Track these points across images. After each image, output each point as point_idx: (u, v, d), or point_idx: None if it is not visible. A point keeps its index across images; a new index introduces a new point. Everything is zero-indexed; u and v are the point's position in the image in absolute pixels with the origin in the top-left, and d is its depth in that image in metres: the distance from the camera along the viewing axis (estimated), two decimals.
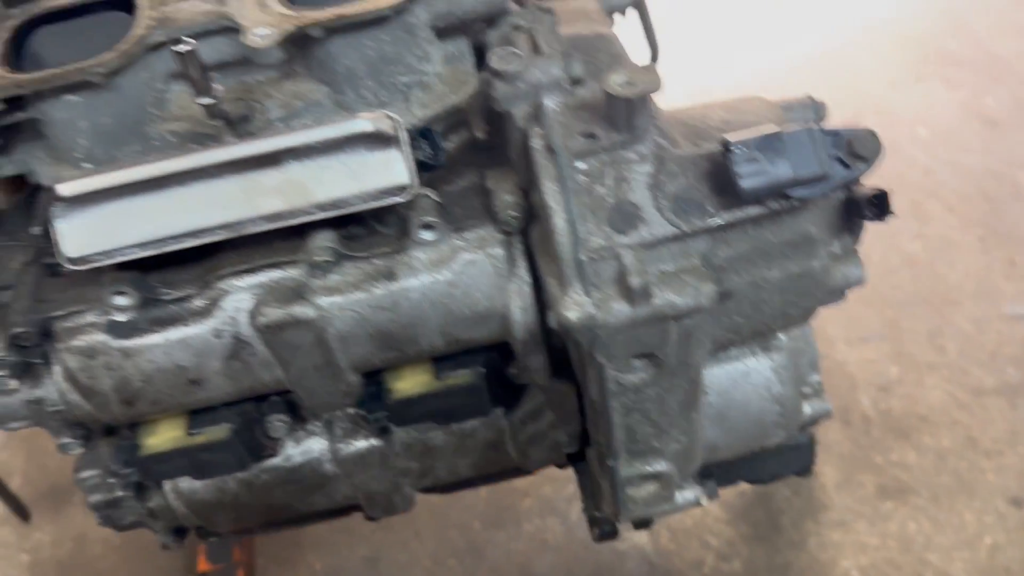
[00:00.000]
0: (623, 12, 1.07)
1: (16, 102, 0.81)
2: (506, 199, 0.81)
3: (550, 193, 0.74)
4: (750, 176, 0.70)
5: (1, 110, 0.81)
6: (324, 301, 0.82)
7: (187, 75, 0.75)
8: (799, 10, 3.50)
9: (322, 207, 0.77)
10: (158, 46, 0.82)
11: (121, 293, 0.81)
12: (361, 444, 0.98)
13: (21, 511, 2.12)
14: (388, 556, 3.00)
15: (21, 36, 0.85)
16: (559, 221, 0.74)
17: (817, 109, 0.86)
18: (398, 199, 0.77)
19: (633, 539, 2.93)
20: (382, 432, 0.98)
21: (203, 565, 2.61)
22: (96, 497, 1.01)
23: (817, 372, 1.02)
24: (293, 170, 0.76)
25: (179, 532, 1.08)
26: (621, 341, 0.77)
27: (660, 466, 0.96)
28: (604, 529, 1.12)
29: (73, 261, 0.77)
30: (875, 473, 2.90)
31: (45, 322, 0.82)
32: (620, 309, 0.74)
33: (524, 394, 0.98)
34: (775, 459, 1.08)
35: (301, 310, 0.81)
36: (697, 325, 0.79)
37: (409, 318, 0.84)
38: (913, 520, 2.88)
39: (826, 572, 2.77)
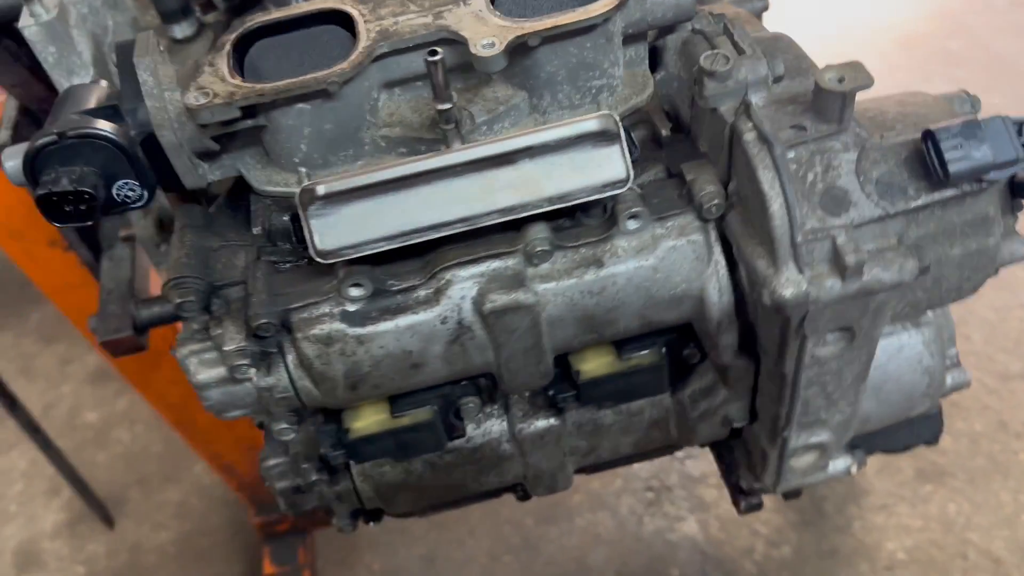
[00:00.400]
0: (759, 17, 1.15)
1: (248, 110, 0.87)
2: (709, 189, 0.88)
3: (766, 181, 0.82)
4: (956, 161, 0.78)
5: (235, 118, 0.86)
6: (540, 287, 0.89)
7: (433, 81, 0.82)
8: (802, 13, 3.60)
9: (551, 200, 0.84)
10: (381, 57, 0.88)
11: (357, 285, 0.87)
12: (540, 424, 1.05)
13: (106, 516, 2.16)
14: (444, 554, 3.06)
15: (241, 48, 0.91)
16: (776, 206, 0.81)
17: (973, 102, 0.94)
18: (618, 191, 0.84)
19: (683, 530, 3.01)
20: (559, 412, 1.05)
21: (269, 568, 2.66)
22: (283, 484, 1.07)
23: (954, 345, 1.10)
24: (526, 167, 0.83)
25: (354, 515, 1.14)
26: (827, 316, 0.85)
27: (823, 436, 1.03)
28: (751, 502, 1.19)
29: (324, 254, 0.84)
30: (913, 457, 3.01)
31: (283, 313, 0.88)
32: (832, 285, 0.82)
33: (691, 373, 1.05)
34: (910, 429, 1.16)
35: (523, 296, 0.88)
36: (887, 300, 0.86)
37: (613, 302, 0.91)
38: (952, 502, 2.97)
39: (872, 555, 2.87)
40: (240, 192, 1.04)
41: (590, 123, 0.82)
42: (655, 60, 0.99)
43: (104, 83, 0.93)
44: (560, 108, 0.94)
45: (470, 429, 1.05)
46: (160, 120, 0.88)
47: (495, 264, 0.89)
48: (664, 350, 0.99)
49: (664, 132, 0.96)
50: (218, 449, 2.39)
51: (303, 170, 0.94)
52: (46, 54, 1.07)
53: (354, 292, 0.88)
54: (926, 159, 0.81)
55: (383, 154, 0.94)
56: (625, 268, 0.90)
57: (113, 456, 3.34)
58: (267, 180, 0.95)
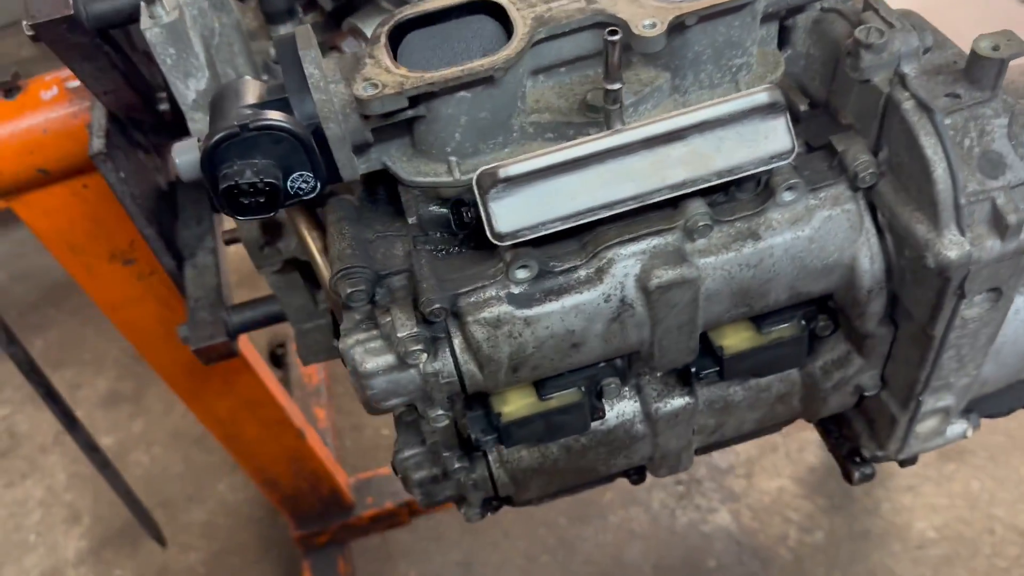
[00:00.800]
0: None
1: (413, 100, 0.89)
2: (863, 158, 0.91)
3: (929, 147, 0.85)
4: None
5: (402, 108, 0.87)
6: (701, 261, 0.91)
7: (608, 61, 0.84)
8: None
9: (720, 174, 0.86)
10: (539, 43, 0.90)
11: (524, 267, 0.89)
12: (676, 402, 1.07)
13: (159, 536, 2.13)
14: (481, 558, 3.06)
15: (395, 37, 0.92)
16: (939, 171, 0.85)
17: None
18: (784, 162, 0.87)
19: (716, 521, 3.04)
20: (691, 390, 1.07)
21: None
22: (420, 474, 1.08)
23: None
24: (696, 143, 0.85)
25: (485, 504, 1.15)
26: (983, 276, 0.88)
27: (947, 400, 1.06)
28: (864, 472, 1.22)
29: (502, 236, 0.85)
30: None
31: (452, 298, 0.89)
32: (992, 245, 0.85)
33: (821, 345, 1.07)
34: (1014, 392, 1.19)
35: (687, 271, 0.90)
36: None
37: (768, 275, 0.93)
38: (975, 479, 3.04)
39: (903, 534, 2.92)
40: (373, 184, 1.05)
41: (760, 96, 0.85)
42: (781, 39, 1.02)
43: (250, 79, 0.93)
44: (700, 88, 0.96)
45: (607, 410, 1.07)
46: (327, 112, 0.88)
47: (656, 241, 0.91)
48: (804, 322, 1.02)
49: (802, 107, 0.99)
50: (262, 463, 2.38)
51: (453, 159, 0.95)
52: (165, 55, 1.07)
53: (521, 274, 0.89)
54: None
55: (530, 140, 0.96)
56: (781, 239, 0.92)
57: (133, 479, 3.27)
58: (416, 171, 0.96)
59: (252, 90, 0.88)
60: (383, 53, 0.89)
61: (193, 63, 1.10)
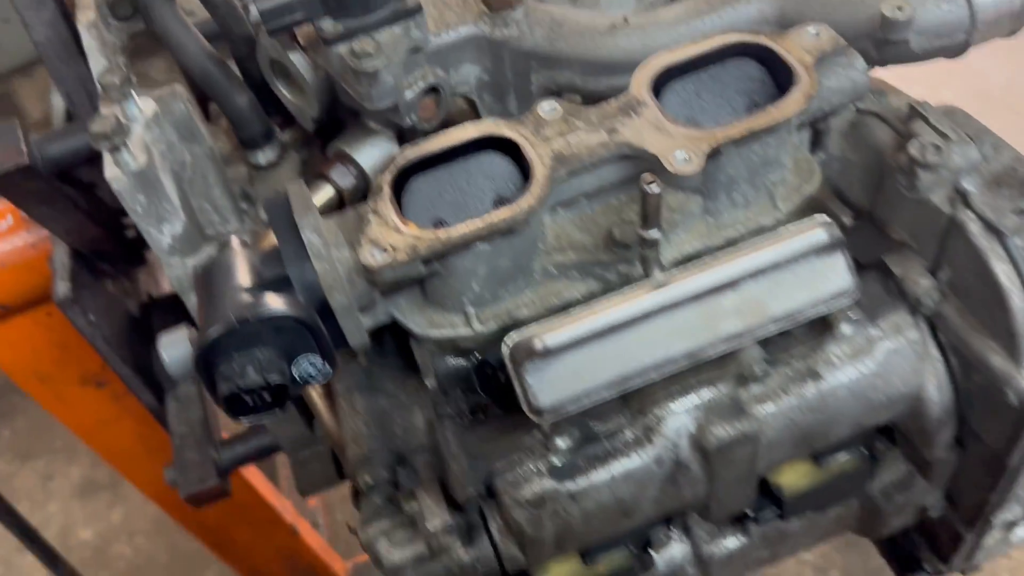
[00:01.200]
0: None
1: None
2: (923, 283, 0.82)
3: (1003, 273, 0.77)
4: None
5: (418, 273, 0.78)
6: (760, 411, 0.82)
7: (647, 210, 0.74)
8: None
9: (776, 321, 0.77)
10: (559, 182, 0.81)
11: (565, 435, 0.79)
12: (729, 544, 0.98)
13: None
14: None
15: (398, 183, 0.83)
16: (1017, 300, 0.76)
17: None
18: (845, 302, 0.78)
19: None
20: (744, 530, 0.98)
21: None
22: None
23: None
24: (750, 289, 0.76)
25: None
26: None
27: (1016, 512, 0.98)
28: None
29: (542, 412, 0.75)
30: None
31: (486, 478, 0.79)
32: None
33: (879, 466, 0.99)
34: None
35: (747, 425, 0.81)
36: None
37: (832, 414, 0.85)
38: None
39: None
40: (379, 336, 0.95)
41: (818, 234, 0.76)
42: (814, 141, 0.94)
43: (239, 246, 0.82)
44: (734, 207, 0.88)
45: (656, 559, 0.97)
46: (331, 282, 0.78)
47: (708, 393, 0.82)
48: (864, 451, 0.93)
49: (846, 220, 0.90)
50: (255, 563, 2.25)
51: (471, 310, 0.85)
52: (135, 204, 0.96)
53: (563, 443, 0.79)
54: None
55: (553, 281, 0.86)
56: (845, 377, 0.83)
57: (117, 573, 3.13)
58: (429, 324, 0.86)
59: (243, 266, 0.78)
60: (388, 208, 0.79)
61: (166, 208, 0.99)
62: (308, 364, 0.76)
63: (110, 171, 0.94)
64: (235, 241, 0.82)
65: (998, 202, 0.79)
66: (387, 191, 0.81)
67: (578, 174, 0.82)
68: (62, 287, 1.15)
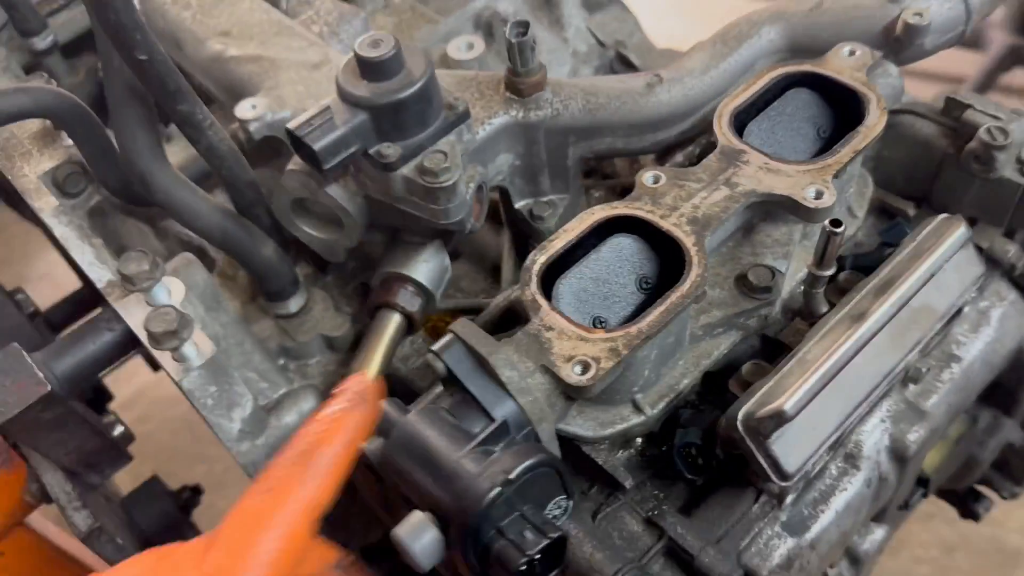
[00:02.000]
0: None
1: None
2: (1012, 249, 0.91)
3: None
4: None
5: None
6: (929, 406, 0.87)
7: (828, 251, 0.76)
8: None
9: (942, 317, 0.82)
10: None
11: (791, 491, 0.79)
12: (879, 535, 1.02)
13: None
14: None
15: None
16: None
17: None
18: (981, 282, 0.84)
19: None
20: (886, 517, 1.02)
21: None
22: None
23: None
24: (920, 298, 0.80)
25: None
26: None
27: None
28: (986, 506, 1.25)
29: (791, 476, 0.74)
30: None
31: (736, 558, 0.77)
32: None
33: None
34: None
35: (932, 421, 0.85)
36: None
37: (972, 387, 0.91)
38: None
39: None
40: None
41: (960, 230, 0.81)
42: None
43: (417, 416, 0.73)
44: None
45: None
46: (537, 413, 0.73)
47: (888, 404, 0.85)
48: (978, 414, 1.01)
49: (911, 212, 0.97)
50: None
51: (639, 396, 0.82)
52: (206, 398, 0.85)
53: (791, 499, 0.79)
54: None
55: (699, 343, 0.86)
56: (975, 350, 0.90)
57: None
58: (598, 423, 0.82)
59: (441, 432, 0.69)
60: (562, 321, 0.75)
61: (237, 392, 0.87)
62: (556, 507, 0.70)
63: (176, 372, 0.81)
64: (412, 416, 0.72)
65: None
66: (545, 304, 0.76)
67: (716, 232, 0.82)
68: (81, 520, 0.97)
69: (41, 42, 1.23)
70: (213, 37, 1.08)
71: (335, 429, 0.68)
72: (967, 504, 1.27)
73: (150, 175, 0.87)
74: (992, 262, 0.93)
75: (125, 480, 1.31)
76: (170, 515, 1.25)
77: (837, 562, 0.99)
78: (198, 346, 0.83)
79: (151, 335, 0.80)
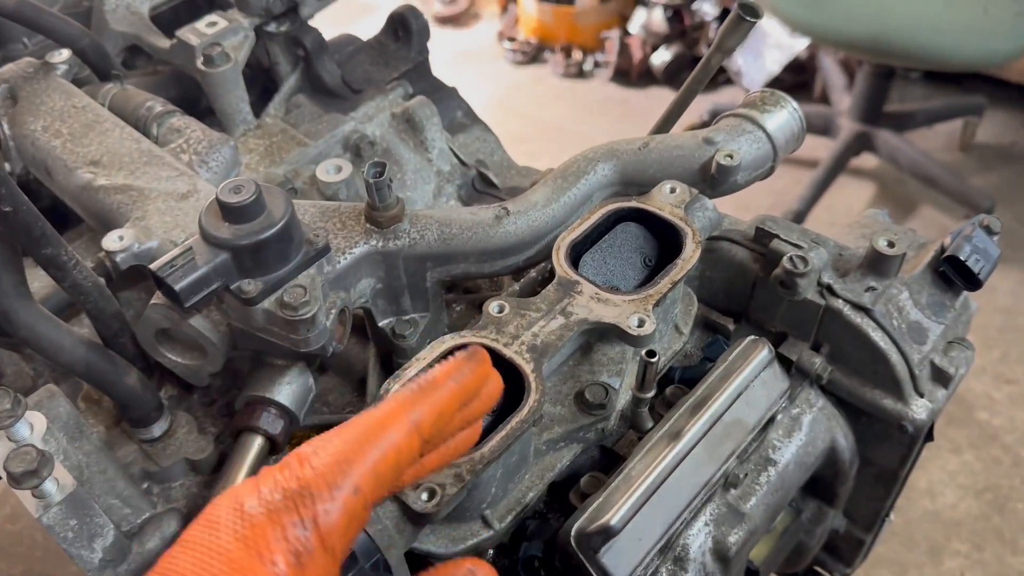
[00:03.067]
0: None
1: None
2: (817, 361, 1.03)
3: (879, 339, 0.99)
4: (982, 268, 1.03)
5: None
6: (748, 508, 0.96)
7: (646, 378, 0.86)
8: None
9: (753, 429, 0.92)
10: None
11: None
12: None
13: None
14: None
15: None
16: (894, 356, 0.99)
17: (886, 214, 1.21)
18: (783, 403, 0.96)
19: None
20: None
21: None
22: None
23: None
24: (732, 413, 0.90)
25: None
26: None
27: None
28: None
29: None
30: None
31: None
32: (942, 395, 1.02)
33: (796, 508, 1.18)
34: None
35: (750, 523, 0.94)
36: None
37: (788, 487, 1.01)
38: None
39: None
40: None
41: (763, 351, 0.92)
42: None
43: None
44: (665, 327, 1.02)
45: None
46: (385, 541, 0.78)
47: (710, 508, 0.94)
48: (800, 509, 1.12)
49: (731, 327, 1.09)
50: None
51: (488, 512, 0.89)
52: (65, 532, 0.88)
53: None
54: (950, 276, 1.04)
55: (543, 456, 0.94)
56: (788, 453, 1.01)
57: None
58: (450, 540, 0.88)
59: None
60: None
61: (98, 523, 0.90)
62: None
63: (36, 509, 0.84)
64: None
65: (853, 286, 1.01)
66: None
67: (553, 358, 0.90)
68: None
69: None
70: (83, 166, 1.12)
71: (450, 369, 0.67)
72: None
73: (13, 313, 0.90)
74: (801, 372, 1.04)
75: None
76: None
77: None
78: (58, 481, 0.85)
79: (10, 475, 0.82)
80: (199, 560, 0.53)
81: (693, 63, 3.97)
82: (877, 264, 1.01)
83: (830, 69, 3.74)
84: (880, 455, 1.09)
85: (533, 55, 4.15)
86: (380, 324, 1.09)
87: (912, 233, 1.04)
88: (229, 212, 0.89)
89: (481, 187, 1.40)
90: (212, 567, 0.52)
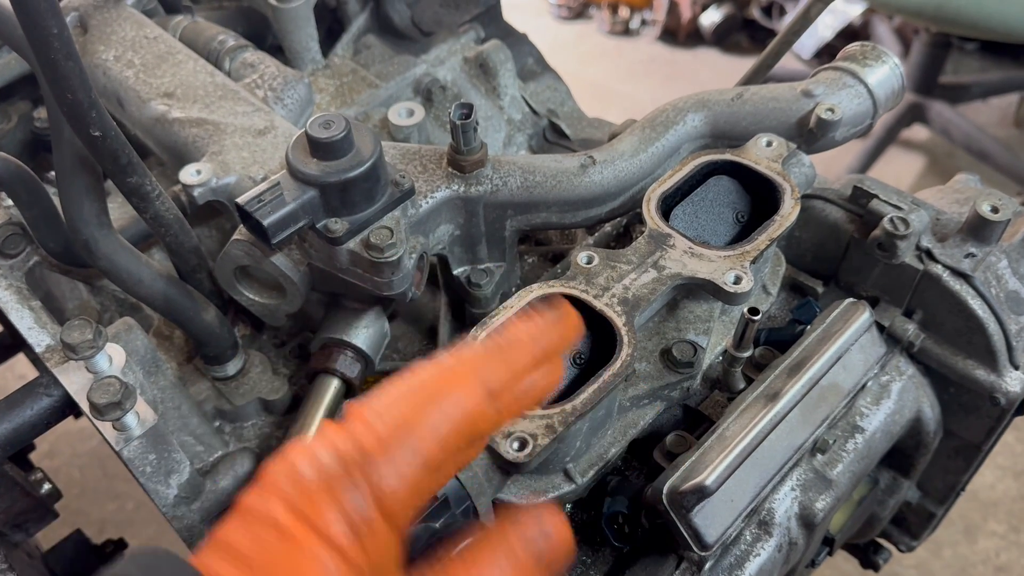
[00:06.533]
0: None
1: None
2: (910, 328, 0.99)
3: (977, 308, 0.95)
4: None
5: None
6: (835, 475, 0.94)
7: (745, 335, 0.83)
8: None
9: (847, 395, 0.89)
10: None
11: (710, 557, 0.84)
12: None
13: None
14: None
15: None
16: (992, 325, 0.96)
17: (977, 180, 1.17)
18: (885, 359, 0.92)
19: None
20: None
21: None
22: None
23: None
24: (828, 377, 0.87)
25: None
26: None
27: None
28: (885, 557, 1.33)
29: (711, 546, 0.80)
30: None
31: None
32: None
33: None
34: None
35: (838, 490, 0.92)
36: None
37: (874, 455, 0.98)
38: None
39: None
40: None
41: (864, 316, 0.89)
42: None
43: None
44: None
45: None
46: (476, 488, 0.76)
47: (798, 473, 0.91)
48: (884, 476, 1.09)
49: (819, 289, 1.05)
50: None
51: (571, 466, 0.87)
52: (144, 466, 0.86)
53: (709, 565, 0.85)
54: None
55: (626, 413, 0.91)
56: (876, 421, 0.97)
57: None
58: (531, 492, 0.86)
59: None
60: None
61: (176, 459, 0.88)
62: None
63: (117, 440, 0.83)
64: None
65: (953, 252, 0.97)
66: None
67: (644, 312, 0.87)
68: None
69: None
70: (157, 98, 1.10)
71: (534, 329, 0.59)
72: (868, 556, 1.35)
73: (94, 242, 0.88)
74: (892, 339, 1.01)
75: None
76: (93, 571, 1.24)
77: None
78: (139, 415, 0.84)
79: (94, 406, 0.81)
80: (251, 530, 0.49)
81: (743, 25, 3.89)
82: (979, 229, 0.97)
83: (885, 37, 3.64)
84: (965, 427, 1.06)
85: (579, 11, 4.07)
86: (455, 272, 1.07)
87: (1014, 200, 1.00)
88: (318, 148, 0.87)
89: (552, 137, 1.36)
90: (264, 539, 0.48)
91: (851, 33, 3.75)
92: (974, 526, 2.51)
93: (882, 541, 1.33)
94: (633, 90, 3.78)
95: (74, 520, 2.65)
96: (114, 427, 0.84)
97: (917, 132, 3.52)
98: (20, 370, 2.53)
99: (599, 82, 3.83)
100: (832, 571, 2.34)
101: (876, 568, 1.35)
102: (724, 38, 3.86)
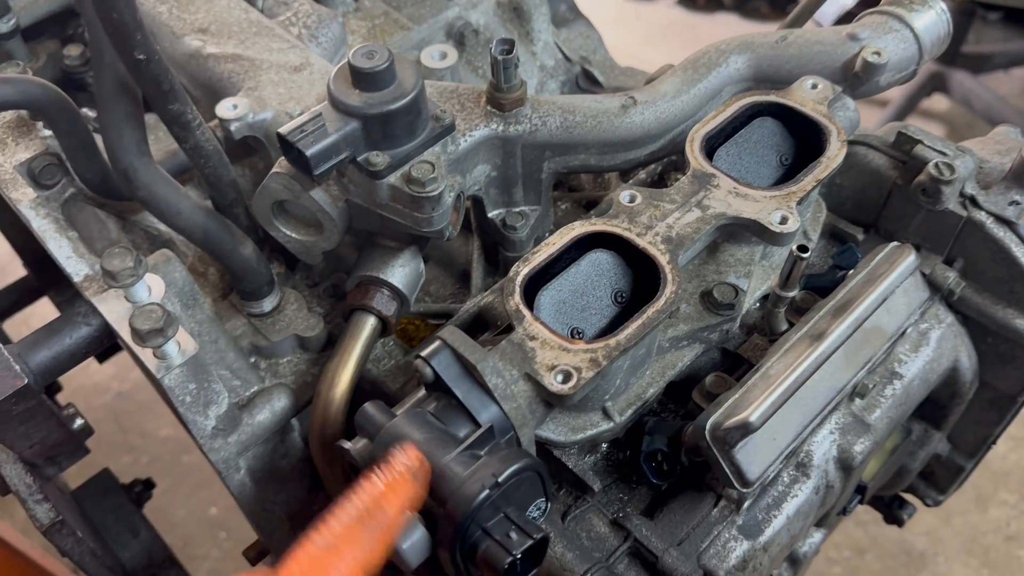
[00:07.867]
0: None
1: None
2: (950, 276, 0.98)
3: (1021, 254, 0.94)
4: None
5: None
6: (873, 419, 0.93)
7: (792, 274, 0.82)
8: None
9: (891, 338, 0.89)
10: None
11: (748, 496, 0.84)
12: (817, 538, 1.08)
13: None
14: None
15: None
16: None
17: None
18: (925, 306, 0.91)
19: None
20: (825, 522, 1.09)
21: None
22: None
23: None
24: (872, 320, 0.86)
25: None
26: None
27: None
28: (910, 512, 1.34)
29: (752, 483, 0.79)
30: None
31: (696, 560, 0.82)
32: None
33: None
34: None
35: (876, 434, 0.91)
36: None
37: (911, 402, 0.98)
38: None
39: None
40: None
41: (910, 259, 0.88)
42: None
43: (405, 417, 0.76)
44: (783, 247, 0.97)
45: None
46: (520, 419, 0.76)
47: (836, 417, 0.91)
48: (914, 426, 1.08)
49: (860, 237, 1.04)
50: None
51: (609, 404, 0.87)
52: (184, 395, 0.86)
53: (747, 503, 0.84)
54: None
55: (664, 354, 0.91)
56: (915, 368, 0.97)
57: None
58: (570, 429, 0.86)
59: (427, 435, 0.72)
60: (545, 331, 0.78)
61: (215, 389, 0.88)
62: (534, 508, 0.74)
63: (158, 369, 0.82)
64: (399, 418, 0.75)
65: (997, 199, 0.96)
66: (528, 314, 0.80)
67: (687, 252, 0.86)
68: (43, 513, 0.96)
69: (4, 25, 1.20)
70: (191, 33, 1.09)
71: (393, 496, 0.66)
72: (892, 510, 1.35)
73: (134, 171, 0.87)
74: (932, 287, 1.00)
75: None
76: (122, 508, 1.24)
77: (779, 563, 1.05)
78: (180, 344, 0.84)
79: (136, 332, 0.80)
80: None
81: None
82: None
83: None
84: (1001, 378, 1.05)
85: None
86: (490, 215, 1.06)
87: None
88: (361, 78, 0.86)
89: (585, 85, 1.35)
90: None
91: (872, 0, 3.69)
92: (985, 495, 2.51)
93: (906, 496, 1.33)
94: (651, 55, 3.74)
95: (89, 473, 2.68)
96: (155, 355, 0.84)
97: (937, 102, 3.48)
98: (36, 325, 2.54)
99: (617, 47, 3.77)
100: (843, 537, 2.33)
101: (900, 523, 1.35)
102: (744, 3, 3.81)
